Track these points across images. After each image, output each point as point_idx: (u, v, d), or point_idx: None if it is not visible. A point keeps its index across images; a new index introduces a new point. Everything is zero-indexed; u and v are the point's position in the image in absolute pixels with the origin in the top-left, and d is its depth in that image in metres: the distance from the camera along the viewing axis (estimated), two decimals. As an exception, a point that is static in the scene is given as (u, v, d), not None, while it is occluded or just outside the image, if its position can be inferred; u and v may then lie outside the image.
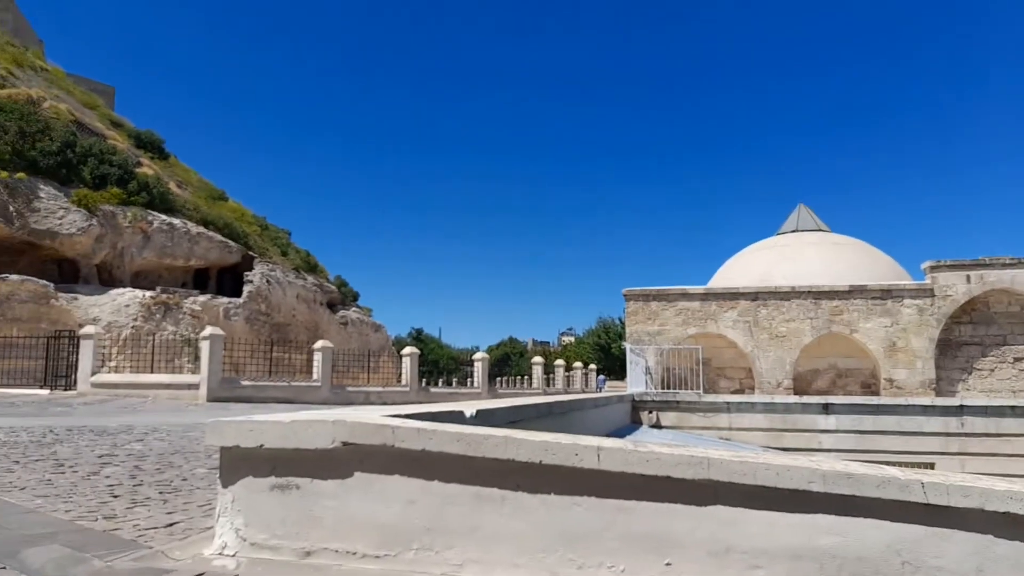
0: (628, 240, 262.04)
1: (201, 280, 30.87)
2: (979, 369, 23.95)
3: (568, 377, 39.09)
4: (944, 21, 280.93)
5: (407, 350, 26.68)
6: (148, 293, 25.86)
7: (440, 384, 33.44)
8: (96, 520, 4.56)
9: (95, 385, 20.40)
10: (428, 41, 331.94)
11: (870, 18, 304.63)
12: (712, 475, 3.05)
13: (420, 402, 18.39)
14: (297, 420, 3.59)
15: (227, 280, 31.32)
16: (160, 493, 5.66)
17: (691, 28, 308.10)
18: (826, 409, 19.19)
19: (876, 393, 23.60)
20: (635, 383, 23.53)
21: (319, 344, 23.24)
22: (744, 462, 3.05)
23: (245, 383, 21.00)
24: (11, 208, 24.16)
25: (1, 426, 10.74)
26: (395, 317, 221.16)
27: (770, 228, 30.74)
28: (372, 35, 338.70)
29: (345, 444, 3.48)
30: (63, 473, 6.54)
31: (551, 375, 36.81)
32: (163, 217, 28.47)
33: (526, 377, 40.19)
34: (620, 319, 58.50)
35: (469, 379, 29.75)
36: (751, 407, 19.82)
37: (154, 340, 23.80)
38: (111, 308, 24.73)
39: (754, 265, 27.91)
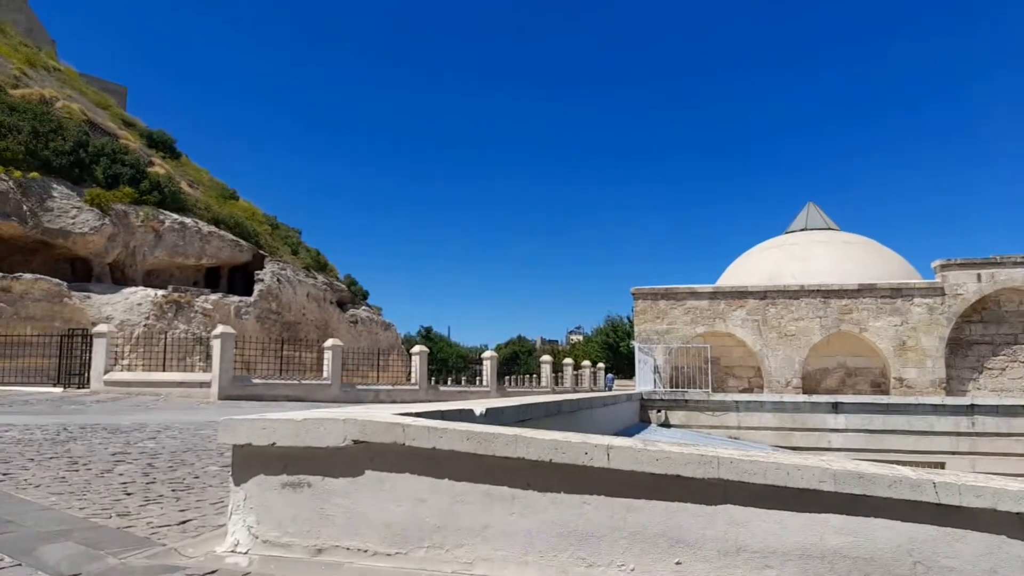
0: (637, 239, 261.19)
1: (212, 279, 31.05)
2: (990, 368, 23.76)
3: (577, 376, 39.06)
4: (943, 21, 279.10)
5: (416, 349, 26.73)
6: (160, 292, 26.03)
7: (449, 383, 33.41)
8: (110, 517, 4.59)
9: (108, 383, 20.57)
10: (442, 39, 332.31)
11: (878, 17, 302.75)
12: (722, 474, 3.04)
13: (429, 400, 18.48)
14: (309, 418, 3.61)
15: (238, 279, 31.50)
16: (173, 491, 5.70)
17: (700, 28, 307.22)
18: (836, 408, 19.12)
19: (886, 392, 23.46)
20: (643, 382, 23.51)
21: (329, 343, 23.33)
22: (754, 461, 3.05)
23: (256, 381, 21.12)
24: (24, 207, 24.35)
25: (16, 424, 10.84)
26: (404, 316, 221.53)
27: (779, 227, 30.61)
28: (382, 34, 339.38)
29: (356, 442, 3.49)
30: (77, 471, 6.60)
31: (560, 374, 36.78)
32: (175, 216, 28.64)
33: (535, 376, 40.14)
34: (629, 318, 58.44)
35: (478, 378, 29.77)
36: (760, 406, 19.77)
37: (166, 338, 23.95)
38: (124, 307, 24.91)
39: (763, 264, 27.79)
